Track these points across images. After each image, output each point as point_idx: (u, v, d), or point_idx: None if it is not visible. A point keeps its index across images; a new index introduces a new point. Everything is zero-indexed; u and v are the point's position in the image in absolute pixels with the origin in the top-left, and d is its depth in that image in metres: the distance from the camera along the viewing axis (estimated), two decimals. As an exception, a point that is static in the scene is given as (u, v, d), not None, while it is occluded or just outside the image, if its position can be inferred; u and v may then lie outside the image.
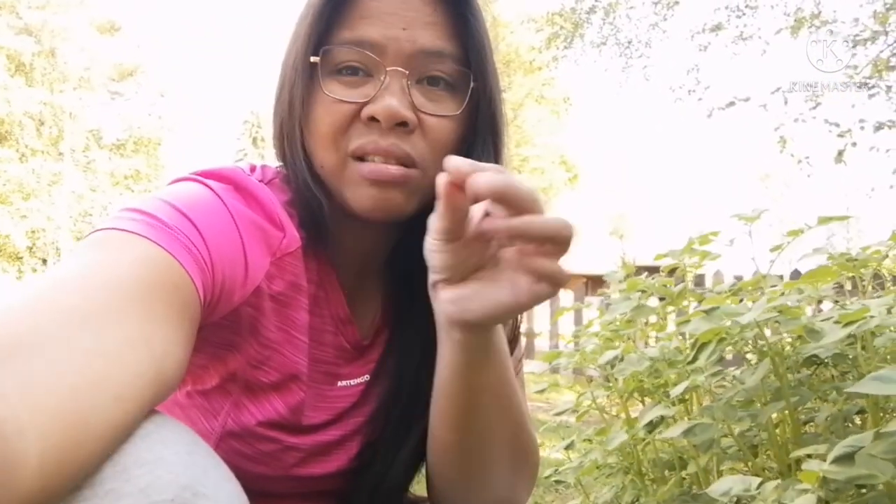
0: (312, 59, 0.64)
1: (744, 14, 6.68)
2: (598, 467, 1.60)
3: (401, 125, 0.63)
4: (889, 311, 0.95)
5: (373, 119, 0.63)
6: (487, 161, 0.66)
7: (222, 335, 0.64)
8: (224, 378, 0.67)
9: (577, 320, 4.19)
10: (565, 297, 5.44)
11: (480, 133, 0.67)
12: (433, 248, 0.53)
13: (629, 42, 7.56)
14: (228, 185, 0.64)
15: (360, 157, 0.64)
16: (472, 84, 0.65)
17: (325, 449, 0.72)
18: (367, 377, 0.74)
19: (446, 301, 0.55)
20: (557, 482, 2.13)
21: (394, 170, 0.63)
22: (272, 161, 0.73)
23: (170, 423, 0.50)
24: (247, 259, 0.61)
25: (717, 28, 6.75)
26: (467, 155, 0.67)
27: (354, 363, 0.74)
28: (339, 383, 0.73)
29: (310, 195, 0.66)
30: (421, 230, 0.69)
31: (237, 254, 0.60)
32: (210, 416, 0.68)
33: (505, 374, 0.62)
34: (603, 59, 7.73)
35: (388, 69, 0.63)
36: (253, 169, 0.70)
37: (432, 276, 0.56)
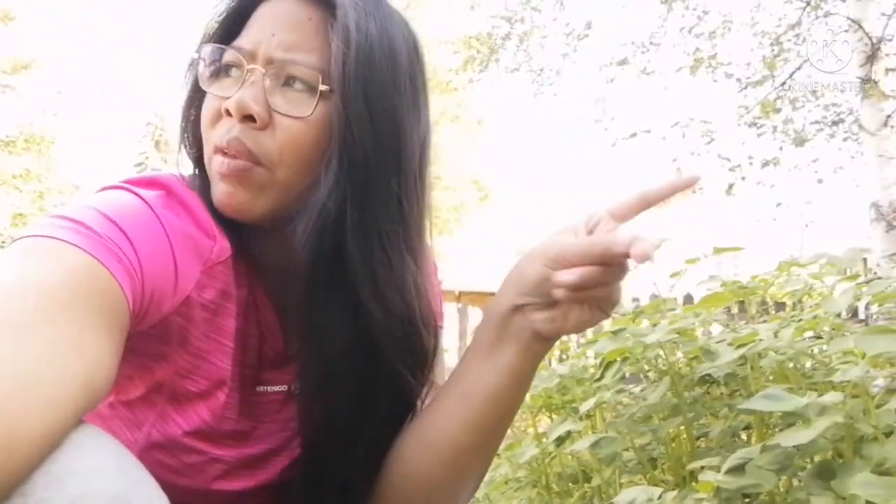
0: (193, 55, 0.69)
1: (648, 50, 7.07)
2: (506, 482, 1.65)
3: (249, 119, 0.65)
4: (775, 335, 1.05)
5: (227, 113, 0.66)
6: (331, 173, 0.65)
7: (151, 345, 0.64)
8: (150, 388, 0.66)
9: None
10: (474, 314, 5.52)
11: (333, 142, 0.66)
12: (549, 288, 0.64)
13: (541, 70, 7.82)
14: (161, 190, 0.64)
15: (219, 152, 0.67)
16: (320, 88, 0.65)
17: (250, 462, 0.72)
18: (285, 387, 0.75)
19: (541, 320, 0.66)
20: (465, 497, 2.16)
21: (235, 163, 0.65)
22: (176, 166, 0.75)
23: (99, 433, 0.50)
24: (177, 269, 0.61)
25: (623, 62, 7.11)
26: (319, 162, 0.66)
27: (276, 371, 0.74)
28: (259, 388, 0.73)
29: (204, 196, 0.69)
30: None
31: (167, 264, 0.60)
32: (133, 428, 0.67)
33: None
34: (516, 85, 7.91)
35: (247, 67, 0.66)
36: (182, 178, 0.71)
37: (518, 300, 0.66)
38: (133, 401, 0.67)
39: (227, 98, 0.65)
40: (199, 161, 0.72)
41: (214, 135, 0.67)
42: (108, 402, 0.68)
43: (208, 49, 0.68)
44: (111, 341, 0.53)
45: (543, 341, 0.68)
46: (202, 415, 0.67)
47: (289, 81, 0.66)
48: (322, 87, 0.65)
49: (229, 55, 0.67)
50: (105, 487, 0.46)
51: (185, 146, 0.74)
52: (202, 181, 0.70)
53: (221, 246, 0.66)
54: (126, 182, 0.64)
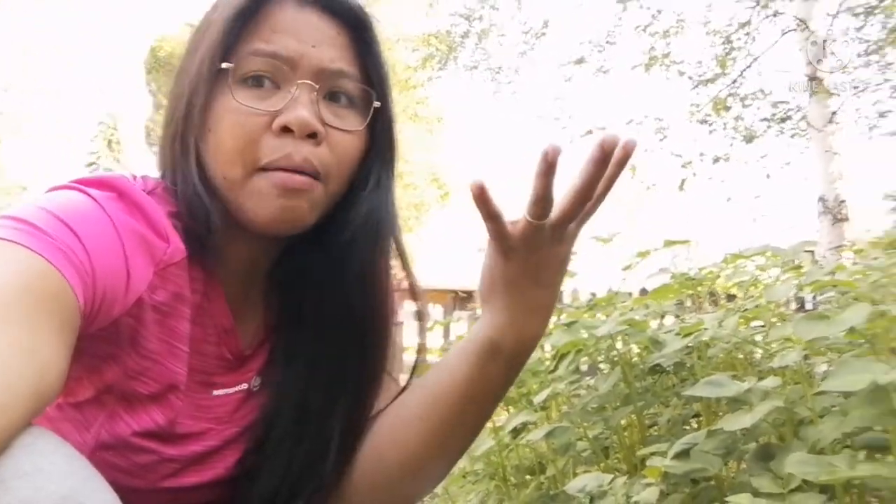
0: (224, 65, 0.65)
1: (604, 49, 7.18)
2: (464, 475, 1.67)
3: (311, 136, 0.65)
4: (720, 325, 1.09)
5: (284, 129, 0.64)
6: (384, 176, 0.72)
7: (100, 346, 0.63)
8: (99, 390, 0.66)
9: (446, 335, 4.28)
10: (434, 311, 5.54)
11: (379, 150, 0.72)
12: None
13: (500, 68, 7.88)
14: (111, 192, 0.64)
15: (267, 169, 0.65)
16: (374, 104, 0.70)
17: (201, 458, 0.72)
18: (244, 385, 0.75)
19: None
20: (426, 492, 2.18)
21: (303, 178, 0.65)
22: (129, 166, 0.73)
23: (47, 435, 0.50)
24: (129, 269, 0.61)
25: (580, 61, 7.20)
26: (366, 170, 0.71)
27: (233, 372, 0.74)
28: (215, 392, 0.73)
29: (199, 206, 0.66)
30: (305, 242, 0.71)
31: (119, 264, 0.60)
32: (83, 429, 0.66)
33: None
34: (475, 83, 7.95)
35: (298, 82, 0.65)
36: (134, 178, 0.70)
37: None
38: (82, 402, 0.66)
39: (277, 113, 0.64)
40: (180, 169, 0.68)
41: (262, 152, 0.65)
42: (57, 403, 0.67)
43: (241, 57, 0.65)
44: (62, 344, 0.52)
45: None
46: (155, 417, 0.67)
47: (334, 95, 0.68)
48: (375, 104, 0.69)
49: (268, 65, 0.65)
50: (55, 489, 0.45)
51: (183, 157, 0.68)
52: (188, 187, 0.66)
53: (175, 247, 0.65)
54: (76, 182, 0.63)
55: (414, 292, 0.78)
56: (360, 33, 0.70)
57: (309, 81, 0.65)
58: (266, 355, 0.76)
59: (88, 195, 0.61)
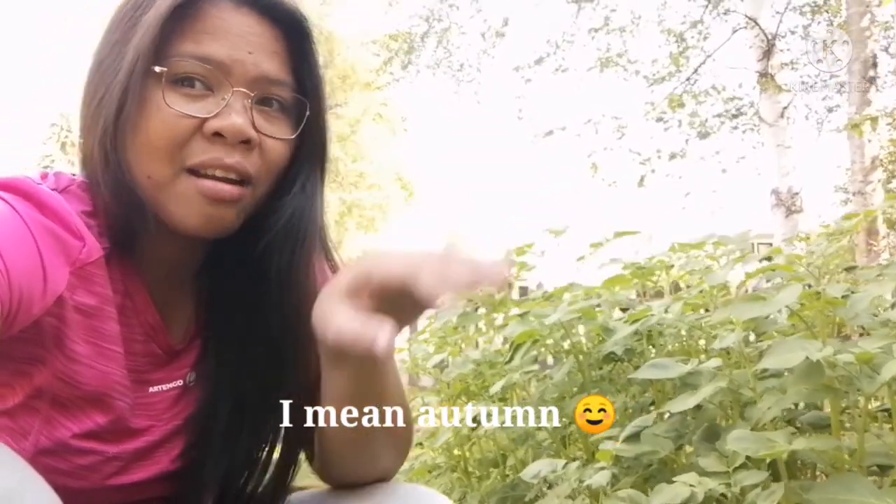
0: (156, 68, 0.64)
1: (560, 48, 7.27)
2: (428, 470, 1.69)
3: (244, 143, 0.65)
4: (666, 311, 1.12)
5: (216, 134, 0.64)
6: (313, 183, 0.72)
7: (25, 349, 0.62)
8: (29, 395, 0.64)
9: (411, 329, 4.30)
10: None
11: (309, 158, 0.72)
12: None
13: (461, 66, 7.93)
14: (17, 195, 0.62)
15: (195, 171, 0.65)
16: (307, 113, 0.69)
17: (145, 453, 0.72)
18: (180, 382, 0.75)
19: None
20: (391, 488, 2.19)
21: (232, 189, 0.65)
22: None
23: (-17, 436, 0.49)
24: (45, 269, 0.59)
25: (539, 61, 7.28)
26: (293, 175, 0.71)
27: (166, 368, 0.74)
28: (151, 389, 0.73)
29: (128, 204, 0.65)
30: (235, 239, 0.72)
31: (34, 264, 0.58)
32: (19, 437, 0.65)
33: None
34: (437, 82, 7.99)
35: (234, 90, 0.64)
36: (44, 177, 0.68)
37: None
38: (12, 409, 0.65)
39: (206, 118, 0.63)
40: (101, 167, 0.66)
41: (191, 154, 0.64)
42: None
43: (174, 60, 0.64)
44: None
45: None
46: (95, 418, 0.66)
47: (269, 102, 0.67)
48: (308, 113, 0.69)
49: (200, 69, 0.64)
50: (-5, 485, 0.45)
51: (105, 155, 0.66)
52: (115, 186, 0.65)
53: (91, 246, 0.63)
54: None
55: None
56: (297, 41, 0.69)
57: (243, 89, 0.65)
58: (199, 350, 0.77)
59: None
